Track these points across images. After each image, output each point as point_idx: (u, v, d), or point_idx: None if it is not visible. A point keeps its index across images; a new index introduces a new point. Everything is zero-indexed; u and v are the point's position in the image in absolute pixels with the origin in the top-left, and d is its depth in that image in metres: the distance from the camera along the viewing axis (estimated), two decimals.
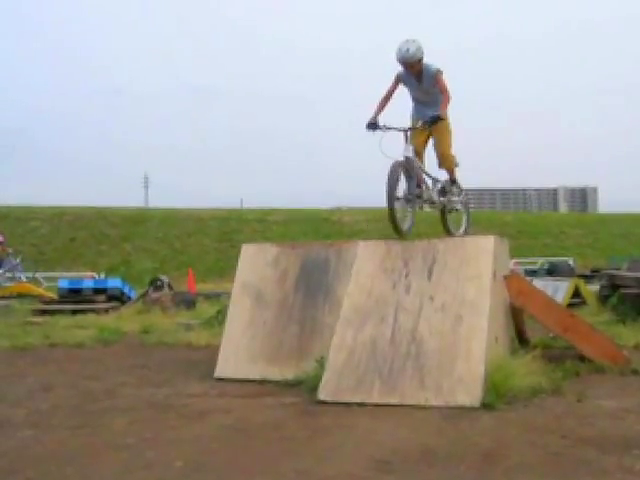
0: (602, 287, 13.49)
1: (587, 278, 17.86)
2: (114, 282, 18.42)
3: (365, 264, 7.32)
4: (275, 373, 7.20)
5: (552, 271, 22.30)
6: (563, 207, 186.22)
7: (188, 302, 15.48)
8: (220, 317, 10.88)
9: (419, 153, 8.12)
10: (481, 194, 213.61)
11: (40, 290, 20.06)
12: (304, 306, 7.68)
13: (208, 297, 16.73)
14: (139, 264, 35.03)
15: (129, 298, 17.65)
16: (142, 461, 4.64)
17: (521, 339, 8.19)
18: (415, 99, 8.30)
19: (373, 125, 7.76)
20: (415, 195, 7.73)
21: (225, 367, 7.53)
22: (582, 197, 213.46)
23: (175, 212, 45.04)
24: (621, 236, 45.80)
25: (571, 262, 28.35)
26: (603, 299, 12.70)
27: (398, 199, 7.39)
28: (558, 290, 13.02)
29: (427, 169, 8.32)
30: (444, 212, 8.71)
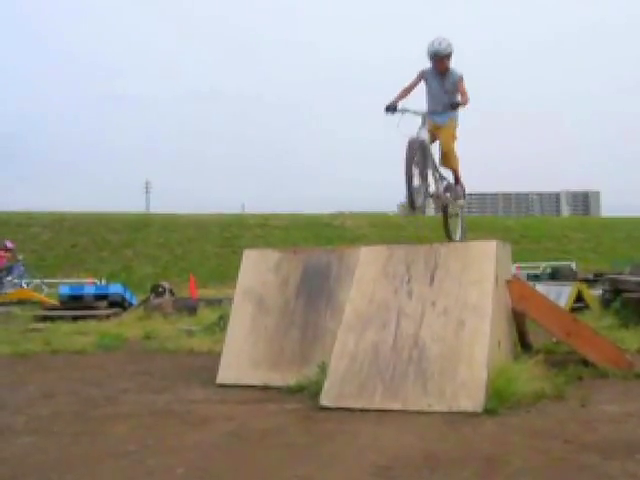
0: (605, 291, 13.48)
1: (590, 282, 17.87)
2: (115, 288, 18.42)
3: (367, 269, 7.31)
4: (277, 379, 7.18)
5: (555, 275, 22.32)
6: (566, 211, 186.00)
7: (189, 308, 15.48)
8: (222, 323, 10.88)
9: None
10: (483, 198, 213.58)
11: (41, 296, 20.09)
12: (306, 312, 7.67)
13: (209, 303, 16.71)
14: (140, 270, 35.08)
15: (130, 304, 17.66)
16: (143, 468, 4.62)
17: (524, 344, 8.16)
18: (431, 98, 8.20)
19: (392, 107, 7.78)
20: (427, 175, 7.80)
21: (227, 373, 7.51)
22: (585, 201, 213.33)
23: (176, 217, 45.08)
24: (624, 240, 45.80)
25: (574, 266, 28.36)
26: (606, 303, 12.67)
27: (415, 174, 7.37)
28: (561, 294, 12.99)
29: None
30: (446, 213, 8.66)
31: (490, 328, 6.36)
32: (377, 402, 6.08)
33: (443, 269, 6.97)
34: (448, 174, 8.51)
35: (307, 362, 7.16)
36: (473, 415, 5.73)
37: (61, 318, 14.78)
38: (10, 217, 40.20)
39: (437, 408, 5.91)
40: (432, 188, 8.02)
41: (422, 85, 8.16)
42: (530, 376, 6.36)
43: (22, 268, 23.45)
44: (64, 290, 17.99)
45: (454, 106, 7.81)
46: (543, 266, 27.77)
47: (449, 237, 8.59)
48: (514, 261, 14.33)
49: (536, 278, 22.01)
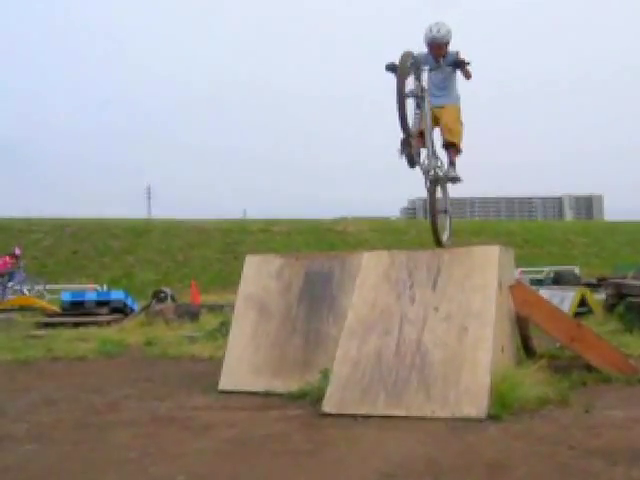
0: (608, 296, 13.44)
1: (593, 287, 17.78)
2: (117, 294, 18.41)
3: (369, 275, 7.29)
4: (279, 385, 7.15)
5: (558, 280, 22.22)
6: (569, 215, 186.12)
7: (191, 314, 15.44)
8: (223, 329, 10.84)
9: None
10: (486, 202, 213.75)
11: (42, 303, 20.08)
12: (308, 318, 7.64)
13: (211, 309, 16.69)
14: (142, 276, 35.09)
15: (132, 310, 17.63)
16: (145, 476, 4.60)
17: (527, 349, 8.13)
18: (429, 83, 7.77)
19: (393, 66, 7.23)
20: (422, 94, 7.42)
21: (229, 380, 7.48)
22: (588, 205, 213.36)
23: (178, 223, 45.08)
24: (627, 244, 45.70)
25: (577, 271, 28.28)
26: (609, 308, 12.64)
27: (408, 95, 7.04)
28: (564, 299, 12.95)
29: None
30: (436, 209, 7.82)
31: (493, 333, 6.33)
32: (380, 408, 6.05)
33: (446, 274, 6.95)
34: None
35: (309, 368, 7.13)
36: (476, 421, 5.70)
37: (62, 324, 14.79)
38: (11, 223, 40.23)
39: (440, 414, 5.88)
40: (426, 162, 7.61)
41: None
42: (534, 381, 6.33)
43: (23, 274, 23.53)
44: (65, 296, 17.99)
45: (459, 64, 7.53)
46: (546, 271, 27.69)
47: (437, 236, 7.87)
48: (517, 266, 14.30)
49: (539, 283, 21.95)
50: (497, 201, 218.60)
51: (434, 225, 7.79)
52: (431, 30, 7.56)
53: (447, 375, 6.16)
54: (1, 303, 20.52)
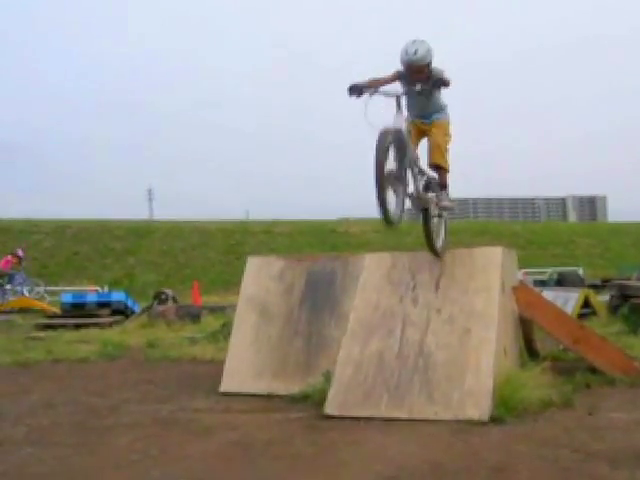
0: (612, 297, 13.41)
1: (597, 288, 17.75)
2: (118, 296, 18.36)
3: (371, 277, 7.26)
4: (281, 388, 7.13)
5: (561, 281, 22.12)
6: (572, 216, 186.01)
7: (193, 315, 15.42)
8: (225, 331, 10.81)
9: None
10: (489, 203, 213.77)
11: (43, 304, 20.07)
12: (310, 320, 7.62)
13: (213, 310, 16.64)
14: (143, 277, 35.06)
15: (133, 312, 17.59)
16: (147, 479, 4.58)
17: (530, 351, 8.09)
18: (412, 103, 6.79)
19: (357, 88, 6.29)
20: (405, 174, 6.21)
21: (230, 382, 7.46)
22: (591, 206, 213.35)
23: (180, 225, 45.09)
24: (631, 245, 45.63)
25: (581, 272, 28.23)
26: (613, 310, 12.61)
27: (388, 175, 5.82)
28: (568, 301, 12.89)
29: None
30: (427, 216, 6.97)
31: (496, 335, 6.31)
32: (382, 411, 6.03)
33: (448, 276, 6.93)
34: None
35: (311, 370, 7.11)
36: (479, 424, 5.67)
37: (63, 326, 14.74)
38: (12, 224, 40.24)
39: (443, 416, 5.86)
40: (410, 188, 6.48)
41: None
42: (537, 384, 6.31)
43: (24, 276, 23.53)
44: (66, 298, 17.96)
45: (439, 84, 6.42)
46: (550, 272, 27.63)
47: (430, 243, 7.03)
48: (520, 267, 14.27)
49: (543, 284, 21.85)
50: (500, 202, 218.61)
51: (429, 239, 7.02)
52: (407, 52, 6.43)
53: (450, 377, 6.13)
54: (1, 305, 20.51)
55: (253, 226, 45.84)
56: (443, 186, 6.98)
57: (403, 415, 5.95)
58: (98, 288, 25.98)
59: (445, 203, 7.02)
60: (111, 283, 30.29)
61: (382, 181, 5.72)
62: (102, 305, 17.40)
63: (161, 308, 16.41)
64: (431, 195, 6.95)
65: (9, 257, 23.45)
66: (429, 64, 6.50)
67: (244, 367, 7.52)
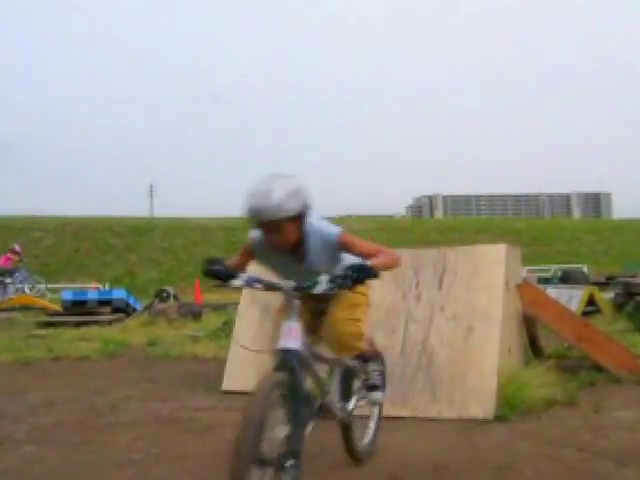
0: (617, 295, 13.36)
1: (602, 286, 17.70)
2: (119, 293, 18.31)
3: None
4: None
5: (566, 279, 22.15)
6: (576, 213, 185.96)
7: (194, 313, 15.40)
8: (227, 329, 10.78)
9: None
10: (493, 200, 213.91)
11: (43, 302, 20.05)
12: None
13: (215, 308, 16.64)
14: (144, 275, 35.10)
15: (134, 310, 17.56)
16: (148, 478, 4.56)
17: (535, 349, 8.07)
18: (290, 276, 4.00)
19: (218, 271, 3.89)
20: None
21: (232, 380, 7.41)
22: (596, 203, 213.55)
23: (181, 222, 45.16)
24: (636, 242, 45.62)
25: (585, 269, 28.25)
26: (618, 307, 12.56)
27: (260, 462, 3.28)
28: (572, 298, 12.85)
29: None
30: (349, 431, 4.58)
31: (500, 333, 6.28)
32: (386, 409, 5.99)
33: (452, 273, 6.89)
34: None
35: None
36: (483, 422, 5.66)
37: (64, 324, 14.69)
38: (13, 221, 40.31)
39: (446, 415, 5.85)
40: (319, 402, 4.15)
41: None
42: (541, 382, 6.29)
43: (26, 273, 23.51)
44: (67, 295, 17.91)
45: (366, 274, 3.71)
46: (554, 269, 27.67)
47: (349, 449, 4.62)
48: (524, 264, 14.23)
49: (547, 282, 21.90)
50: (504, 198, 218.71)
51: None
52: (254, 198, 3.68)
53: (453, 375, 6.11)
54: (2, 302, 20.50)
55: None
56: (367, 359, 4.62)
57: (406, 413, 5.94)
58: (99, 286, 25.99)
59: (375, 397, 4.71)
60: (112, 281, 30.32)
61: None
62: (103, 303, 17.33)
63: (162, 306, 16.39)
64: (352, 403, 4.63)
65: (8, 254, 23.43)
66: (294, 218, 3.75)
67: (246, 365, 7.48)
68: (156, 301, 17.78)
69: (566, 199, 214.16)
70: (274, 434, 3.42)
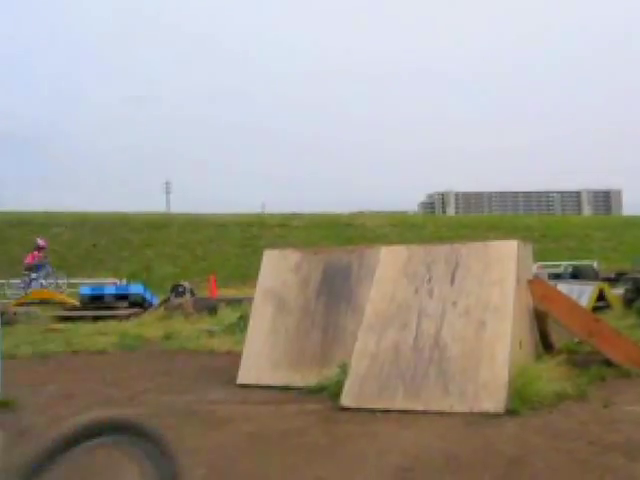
0: (627, 291, 13.32)
1: (612, 282, 17.63)
2: (136, 288, 18.40)
3: (387, 269, 7.27)
4: (297, 380, 7.16)
5: (576, 275, 22.05)
6: (587, 210, 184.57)
7: (210, 308, 15.45)
8: (242, 323, 10.84)
9: None
10: (504, 197, 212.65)
11: (62, 296, 20.12)
12: (326, 312, 7.64)
13: (230, 303, 16.65)
14: (161, 270, 35.09)
15: (151, 304, 17.63)
16: None
17: (545, 344, 8.08)
18: None
19: None
20: None
21: (247, 374, 7.49)
22: (606, 199, 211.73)
23: (197, 218, 45.09)
24: None
25: (595, 265, 28.10)
26: (628, 303, 12.52)
27: None
28: (583, 294, 12.83)
29: None
30: None
31: (511, 328, 6.31)
32: (398, 403, 6.05)
33: (464, 269, 6.93)
34: None
35: (328, 362, 7.13)
36: (495, 416, 5.69)
37: (81, 318, 14.84)
38: (32, 217, 40.38)
39: (458, 409, 5.88)
40: None
41: None
42: (552, 376, 6.32)
43: (50, 268, 23.56)
44: (85, 290, 18.04)
45: None
46: (564, 265, 27.51)
47: None
48: (535, 260, 14.22)
49: (558, 277, 21.78)
50: (515, 195, 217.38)
51: None
52: None
53: (465, 370, 6.14)
54: (22, 297, 20.58)
55: (269, 220, 45.80)
56: None
57: (419, 407, 5.98)
58: (116, 280, 26.05)
59: None
60: (129, 276, 30.35)
61: None
62: (120, 297, 17.46)
63: (178, 301, 16.47)
64: None
65: (35, 252, 23.44)
66: None
67: (261, 359, 7.56)
68: (172, 296, 17.84)
69: (577, 196, 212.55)
70: None
